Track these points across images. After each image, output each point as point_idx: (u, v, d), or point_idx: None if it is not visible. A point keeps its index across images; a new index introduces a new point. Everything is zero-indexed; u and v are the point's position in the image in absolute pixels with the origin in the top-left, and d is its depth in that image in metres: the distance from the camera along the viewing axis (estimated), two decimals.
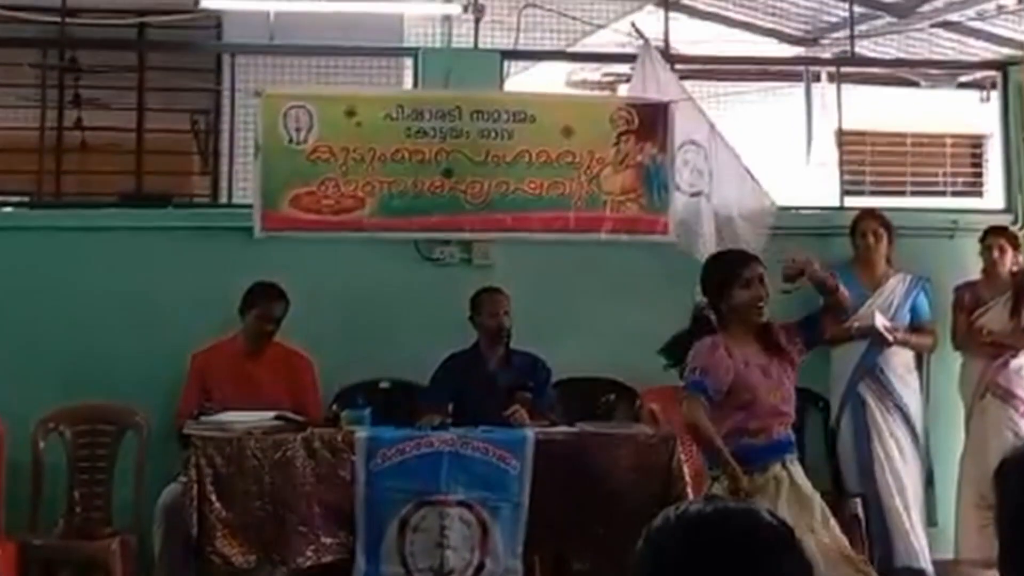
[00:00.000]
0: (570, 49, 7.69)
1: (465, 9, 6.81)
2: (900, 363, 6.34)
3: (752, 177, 6.59)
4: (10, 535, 5.54)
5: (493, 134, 6.32)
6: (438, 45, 7.00)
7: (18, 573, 5.38)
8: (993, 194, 7.60)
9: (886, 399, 6.27)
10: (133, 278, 6.16)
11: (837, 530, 4.25)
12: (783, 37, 8.88)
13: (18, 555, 5.40)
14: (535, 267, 6.40)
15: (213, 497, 5.05)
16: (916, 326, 6.41)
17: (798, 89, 7.66)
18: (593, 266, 6.43)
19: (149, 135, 7.97)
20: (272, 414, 5.35)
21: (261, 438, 5.18)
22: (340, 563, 5.17)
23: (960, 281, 6.54)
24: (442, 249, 6.44)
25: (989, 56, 8.18)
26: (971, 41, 8.42)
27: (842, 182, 7.17)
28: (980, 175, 8.87)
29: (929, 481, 6.38)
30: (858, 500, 6.17)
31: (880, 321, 6.25)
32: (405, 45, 7.13)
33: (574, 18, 7.38)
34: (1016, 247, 6.48)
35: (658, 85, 6.54)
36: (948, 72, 8.56)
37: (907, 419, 6.27)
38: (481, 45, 6.80)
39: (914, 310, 6.41)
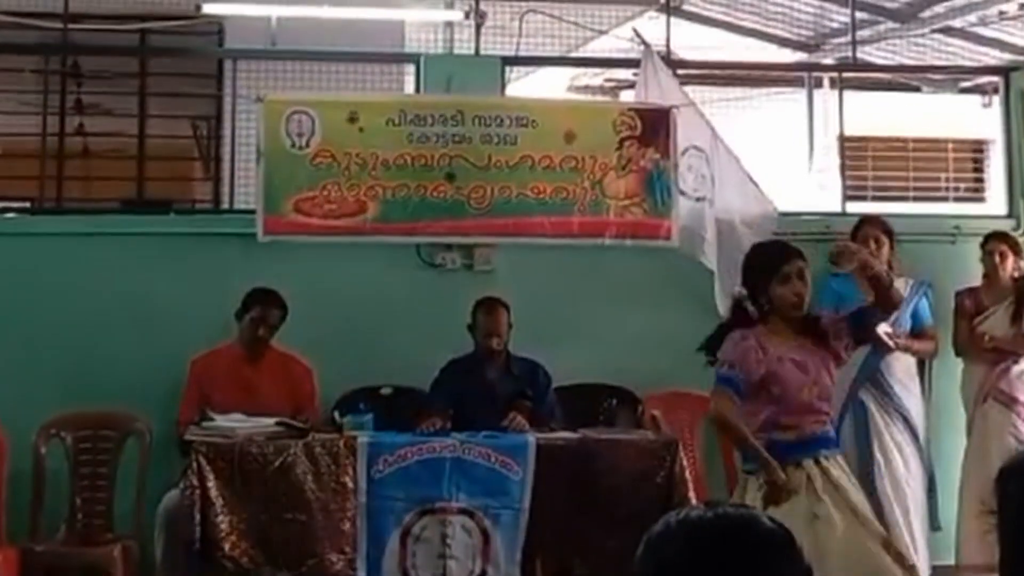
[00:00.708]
0: (571, 55, 7.69)
1: (467, 15, 6.82)
2: (901, 369, 6.33)
3: (754, 182, 6.59)
4: (12, 542, 5.53)
5: (496, 139, 6.32)
6: (440, 51, 7.02)
7: None
8: (995, 199, 7.59)
9: (887, 405, 6.26)
10: (135, 284, 6.16)
11: (875, 524, 4.18)
12: (785, 42, 8.90)
13: (20, 561, 5.40)
14: (537, 272, 6.40)
15: (215, 503, 5.04)
16: (918, 331, 6.40)
17: (800, 94, 7.66)
18: (596, 271, 6.43)
19: (151, 141, 7.96)
20: (273, 420, 5.34)
21: (263, 444, 5.18)
22: (341, 573, 5.16)
23: (961, 287, 6.54)
24: (444, 254, 6.44)
25: (991, 61, 8.19)
26: (973, 46, 8.43)
27: (844, 187, 7.17)
28: (982, 180, 8.87)
29: (931, 487, 6.37)
30: None
31: (881, 327, 6.23)
32: (407, 51, 7.14)
33: (575, 24, 7.38)
34: (1017, 252, 6.47)
35: (660, 90, 6.55)
36: (950, 77, 8.57)
37: (909, 425, 6.26)
38: (482, 51, 6.81)
39: (915, 315, 6.40)
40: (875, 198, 8.45)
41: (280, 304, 5.78)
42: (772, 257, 4.26)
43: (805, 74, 7.85)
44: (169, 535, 5.24)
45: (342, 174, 6.20)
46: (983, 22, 8.25)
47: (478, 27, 6.78)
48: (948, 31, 8.35)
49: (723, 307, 6.43)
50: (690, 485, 5.24)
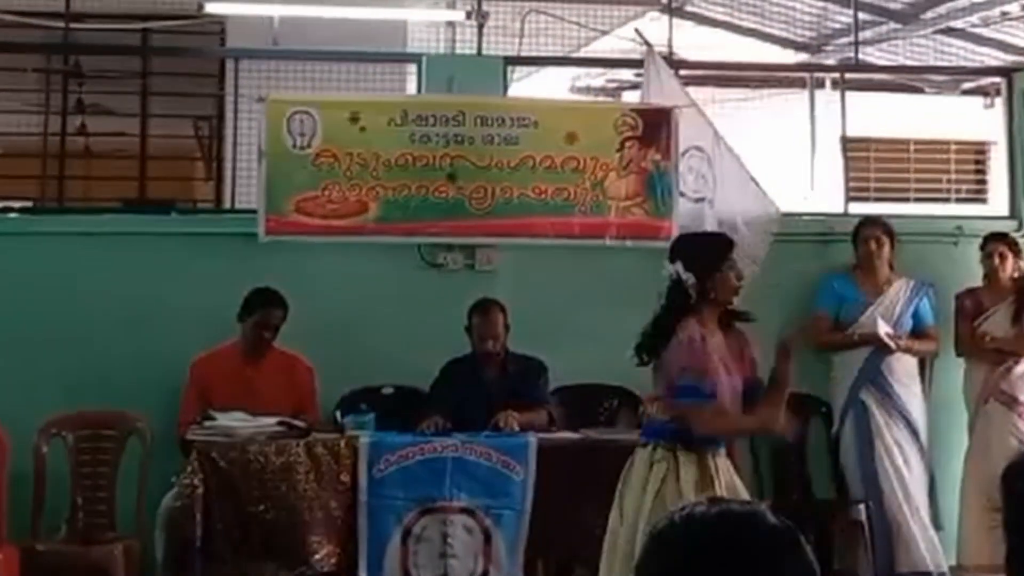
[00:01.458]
0: (573, 55, 7.69)
1: (469, 15, 6.81)
2: (903, 369, 6.33)
3: (756, 183, 6.59)
4: (13, 541, 5.52)
5: (497, 139, 6.32)
6: (442, 51, 7.01)
7: None
8: (997, 200, 7.59)
9: (889, 405, 6.26)
10: (137, 284, 6.16)
11: None
12: (787, 43, 8.89)
13: (21, 561, 5.39)
14: (539, 272, 6.39)
15: (216, 502, 5.04)
16: (919, 332, 6.40)
17: (802, 95, 7.65)
18: (596, 272, 6.42)
19: (153, 141, 7.98)
20: (275, 419, 5.34)
21: (264, 444, 5.18)
22: (342, 572, 5.16)
23: (963, 287, 6.54)
24: (446, 255, 6.44)
25: (993, 62, 8.18)
26: (975, 47, 8.42)
27: (846, 188, 7.17)
28: (984, 181, 8.86)
29: (932, 487, 6.37)
30: (861, 507, 6.16)
31: (883, 328, 6.24)
32: (409, 51, 7.14)
33: (578, 24, 7.38)
34: (1017, 253, 6.48)
35: (662, 91, 6.55)
36: (952, 78, 8.56)
37: (910, 425, 6.26)
38: (484, 51, 6.80)
39: (917, 316, 6.40)
40: (877, 199, 8.44)
41: (282, 304, 5.78)
42: (721, 244, 4.33)
43: (807, 75, 7.83)
44: (170, 534, 5.24)
45: (343, 174, 6.20)
46: (985, 23, 8.25)
47: (480, 27, 6.78)
48: (950, 32, 8.34)
49: None
50: None
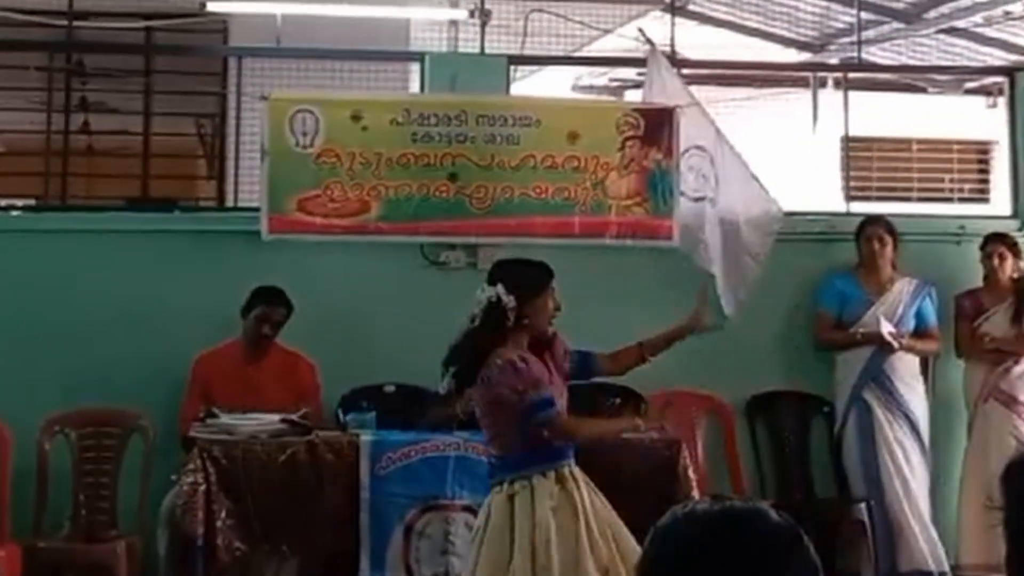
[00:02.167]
0: (576, 54, 7.69)
1: (471, 14, 6.82)
2: (906, 369, 6.34)
3: (758, 182, 6.58)
4: (16, 538, 5.54)
5: (499, 139, 6.32)
6: (444, 50, 7.01)
7: None
8: (1000, 200, 7.58)
9: (892, 405, 6.26)
10: (139, 282, 6.16)
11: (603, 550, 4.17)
12: (790, 43, 8.89)
13: (23, 558, 5.40)
14: None
15: (218, 500, 5.04)
16: (922, 332, 6.40)
17: (805, 95, 7.65)
18: (598, 271, 6.42)
19: (155, 139, 7.99)
20: (277, 417, 5.34)
21: (266, 442, 5.18)
22: (344, 569, 5.16)
23: (966, 287, 6.55)
24: (448, 253, 6.44)
25: (996, 62, 8.17)
26: (978, 47, 8.42)
27: (848, 188, 7.16)
28: (987, 181, 8.86)
29: (934, 487, 6.37)
30: (863, 506, 6.16)
31: (885, 327, 6.24)
32: (411, 50, 7.14)
33: (580, 23, 7.38)
34: (1016, 254, 6.48)
35: (664, 90, 6.54)
36: (955, 78, 8.55)
37: (913, 425, 6.26)
38: (487, 50, 6.80)
39: (919, 316, 6.40)
40: (879, 198, 8.43)
41: (284, 302, 5.78)
42: (546, 271, 4.36)
43: (810, 74, 7.83)
44: (172, 532, 5.23)
45: (345, 173, 6.20)
46: (988, 23, 8.24)
47: (483, 26, 6.78)
48: (953, 32, 8.34)
49: (727, 306, 6.45)
50: (693, 484, 5.22)
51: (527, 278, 4.32)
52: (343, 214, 6.22)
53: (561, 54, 7.44)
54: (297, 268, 6.10)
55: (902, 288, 6.41)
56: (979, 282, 6.53)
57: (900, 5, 8.34)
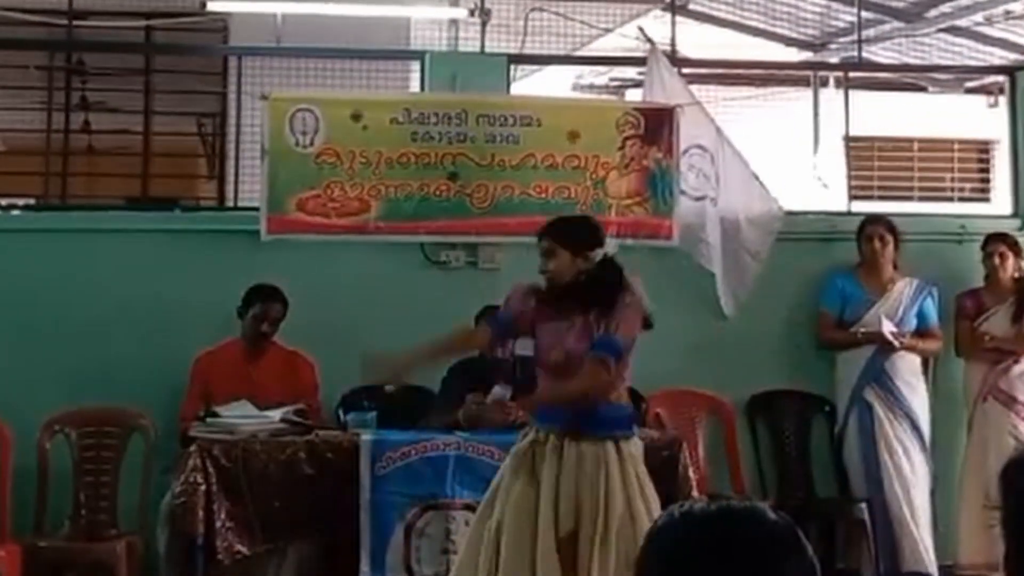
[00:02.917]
0: (577, 53, 7.68)
1: (472, 13, 6.81)
2: (907, 368, 6.33)
3: (759, 182, 6.58)
4: (16, 537, 5.54)
5: (499, 138, 6.32)
6: (445, 49, 7.00)
7: (24, 575, 5.37)
8: (1000, 199, 7.58)
9: (893, 405, 6.26)
10: (139, 281, 6.16)
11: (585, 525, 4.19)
12: (791, 42, 8.88)
13: (24, 557, 5.40)
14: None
15: (219, 499, 5.04)
16: (923, 331, 6.40)
17: (805, 94, 7.65)
18: None
19: (156, 138, 7.99)
20: (278, 416, 5.34)
21: (266, 441, 5.18)
22: (345, 568, 5.16)
23: (967, 286, 6.54)
24: (448, 253, 6.43)
25: (997, 61, 8.17)
26: (979, 46, 8.41)
27: (849, 187, 7.16)
28: (988, 180, 8.86)
29: (935, 487, 6.37)
30: (863, 505, 6.16)
31: (887, 326, 6.24)
32: (412, 49, 7.13)
33: (581, 22, 7.38)
34: (1018, 253, 6.48)
35: (664, 89, 6.54)
36: (956, 77, 8.55)
37: (914, 425, 6.26)
38: (488, 49, 6.80)
39: (921, 315, 6.40)
40: (880, 197, 8.43)
41: (281, 299, 5.78)
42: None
43: (811, 73, 7.82)
44: (172, 531, 5.23)
45: (346, 173, 6.20)
46: (989, 22, 8.24)
47: (483, 25, 6.77)
48: (954, 31, 8.34)
49: (727, 306, 6.46)
50: (694, 483, 5.22)
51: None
52: (343, 213, 6.22)
53: (561, 53, 7.43)
54: (297, 267, 6.10)
55: (903, 288, 6.41)
56: (980, 282, 6.53)
57: (901, 4, 8.33)
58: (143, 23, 7.58)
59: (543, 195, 6.33)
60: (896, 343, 6.23)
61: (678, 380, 6.20)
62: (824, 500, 6.42)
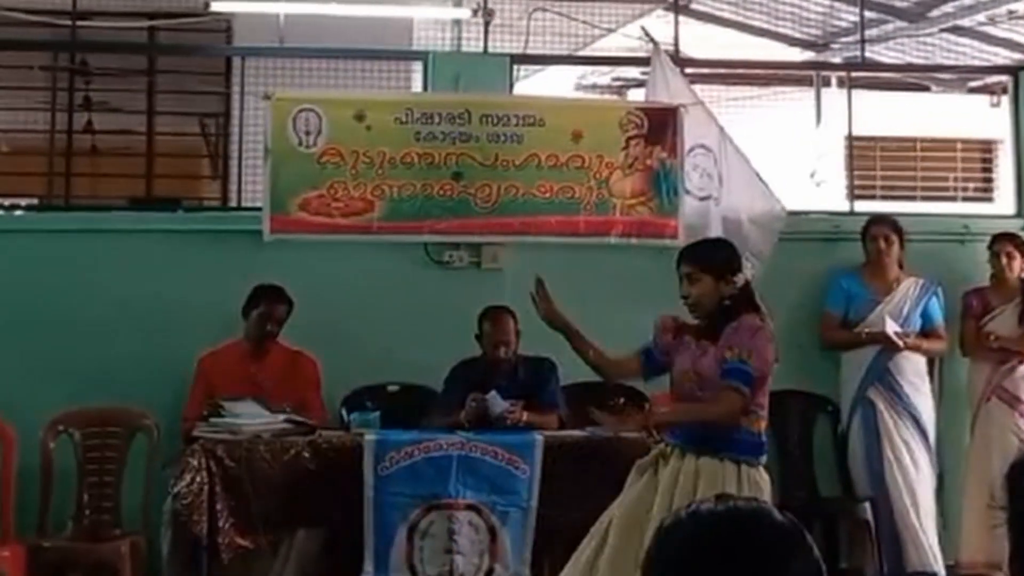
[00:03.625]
0: (580, 53, 7.69)
1: (475, 13, 6.81)
2: (911, 368, 6.33)
3: (762, 181, 6.58)
4: (19, 537, 5.54)
5: (502, 138, 6.32)
6: (448, 49, 7.01)
7: (27, 575, 5.38)
8: (1004, 199, 7.58)
9: (897, 404, 6.26)
10: (142, 281, 6.17)
11: None
12: (794, 42, 8.88)
13: (27, 557, 5.41)
14: (545, 270, 6.29)
15: (222, 499, 5.04)
16: (928, 331, 6.40)
17: (808, 94, 7.65)
18: (602, 270, 6.42)
19: (159, 138, 8.00)
20: (281, 416, 5.34)
21: (270, 441, 5.18)
22: (348, 568, 5.17)
23: (970, 286, 6.54)
24: (451, 253, 6.43)
25: (1000, 61, 8.17)
26: (982, 46, 8.41)
27: (852, 187, 7.16)
28: (991, 180, 8.85)
29: (940, 487, 6.37)
30: (868, 505, 6.16)
31: (891, 326, 6.23)
32: (415, 49, 7.14)
33: (584, 22, 7.38)
34: None
35: (668, 89, 6.54)
36: (959, 77, 8.55)
37: (919, 424, 6.25)
38: (491, 49, 6.80)
39: (925, 315, 6.40)
40: (883, 197, 8.43)
41: (285, 299, 5.79)
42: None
43: (813, 73, 7.82)
44: (176, 531, 5.24)
45: (349, 173, 6.20)
46: (992, 21, 8.23)
47: (486, 25, 6.77)
48: (957, 30, 8.33)
49: None
50: None
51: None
52: (346, 213, 6.22)
53: (564, 53, 7.43)
54: (301, 267, 6.10)
55: (908, 287, 6.40)
56: (983, 281, 6.52)
57: (904, 4, 8.33)
58: (147, 24, 7.59)
59: (547, 195, 6.33)
60: (900, 343, 6.23)
61: None
62: (828, 500, 6.42)
